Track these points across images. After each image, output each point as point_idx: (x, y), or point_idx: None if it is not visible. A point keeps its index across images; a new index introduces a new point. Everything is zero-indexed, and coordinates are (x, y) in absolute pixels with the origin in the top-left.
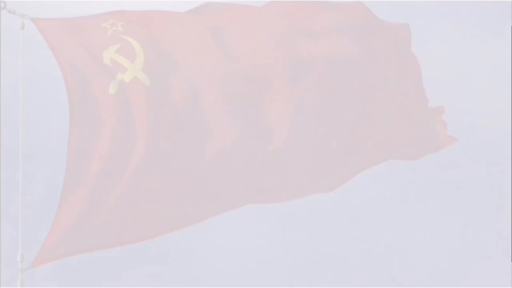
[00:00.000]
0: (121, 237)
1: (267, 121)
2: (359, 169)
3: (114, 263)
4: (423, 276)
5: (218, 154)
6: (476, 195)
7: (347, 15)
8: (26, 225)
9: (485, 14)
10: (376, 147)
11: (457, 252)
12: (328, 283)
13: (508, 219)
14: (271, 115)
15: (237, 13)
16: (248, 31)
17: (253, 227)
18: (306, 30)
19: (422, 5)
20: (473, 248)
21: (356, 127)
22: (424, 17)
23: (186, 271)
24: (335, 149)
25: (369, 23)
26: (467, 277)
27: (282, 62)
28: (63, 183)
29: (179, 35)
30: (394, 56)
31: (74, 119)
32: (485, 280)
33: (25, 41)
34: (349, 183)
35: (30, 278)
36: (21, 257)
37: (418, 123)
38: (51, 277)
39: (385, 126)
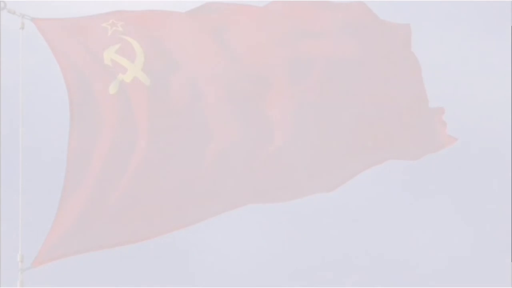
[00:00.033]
0: (121, 237)
1: (268, 121)
2: (360, 169)
3: (114, 263)
4: (423, 276)
5: (219, 154)
6: (476, 195)
7: (348, 15)
8: (26, 225)
9: (485, 14)
10: (377, 147)
11: (457, 252)
12: (328, 283)
13: (508, 219)
14: (271, 115)
15: (238, 13)
16: (249, 31)
17: (253, 227)
18: (307, 30)
19: (422, 6)
20: (473, 248)
21: (356, 127)
22: (425, 17)
23: (186, 271)
24: (336, 149)
25: (370, 23)
26: (467, 277)
27: (283, 62)
28: (63, 183)
29: (180, 35)
30: (394, 56)
31: (75, 119)
32: (485, 280)
33: (25, 41)
34: (349, 183)
35: (30, 278)
36: (21, 257)
37: (418, 123)
38: (51, 277)
39: (386, 126)
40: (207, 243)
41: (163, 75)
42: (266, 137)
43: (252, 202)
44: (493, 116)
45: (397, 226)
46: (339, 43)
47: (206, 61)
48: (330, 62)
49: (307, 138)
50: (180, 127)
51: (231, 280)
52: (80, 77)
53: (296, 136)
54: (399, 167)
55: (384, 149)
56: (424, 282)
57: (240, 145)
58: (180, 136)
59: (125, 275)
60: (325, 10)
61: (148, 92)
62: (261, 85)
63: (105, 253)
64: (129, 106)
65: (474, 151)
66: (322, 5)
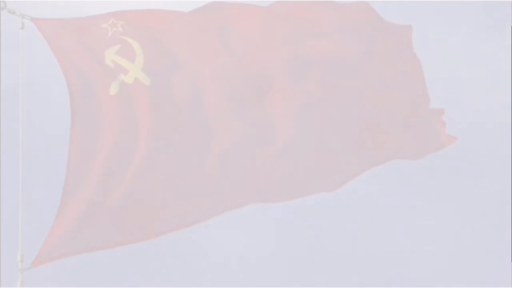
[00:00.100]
0: (122, 237)
1: (270, 121)
2: (362, 169)
3: (114, 263)
4: (423, 276)
5: (220, 154)
6: (476, 195)
7: (352, 15)
8: (26, 225)
9: (485, 14)
10: (378, 147)
11: (457, 252)
12: (328, 283)
13: (508, 219)
14: (273, 114)
15: (242, 13)
16: (252, 31)
17: (252, 227)
18: (309, 30)
19: (423, 6)
20: (473, 248)
21: (358, 127)
22: (425, 18)
23: (186, 271)
24: (338, 149)
25: (373, 23)
26: (467, 277)
27: (285, 62)
28: (64, 183)
29: (182, 35)
30: (396, 56)
31: (76, 119)
32: (485, 280)
33: (25, 41)
34: (350, 183)
35: (30, 278)
36: (21, 257)
37: (419, 123)
38: (51, 277)
39: (387, 126)
40: (208, 243)
41: (164, 75)
42: (268, 137)
43: (253, 202)
44: (493, 116)
45: (397, 226)
46: (341, 43)
47: (208, 60)
48: (332, 62)
49: (309, 138)
50: (181, 127)
51: (231, 280)
52: (81, 77)
53: (298, 136)
54: (399, 167)
55: (386, 149)
56: (424, 282)
57: (242, 145)
58: (181, 136)
59: (125, 275)
60: (328, 10)
61: (149, 92)
62: (263, 85)
63: (105, 253)
64: (130, 106)
65: (474, 151)
66: (325, 5)
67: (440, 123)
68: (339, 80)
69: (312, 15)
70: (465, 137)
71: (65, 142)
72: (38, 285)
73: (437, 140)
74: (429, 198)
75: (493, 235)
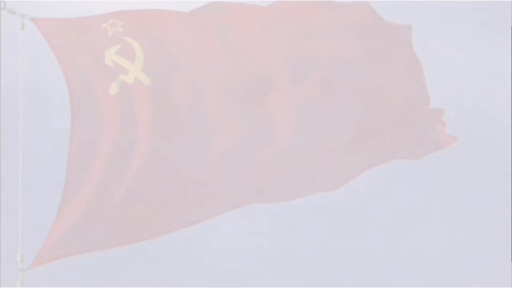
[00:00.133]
0: (122, 237)
1: (270, 121)
2: (363, 169)
3: (114, 263)
4: (423, 276)
5: (220, 154)
6: (476, 195)
7: (352, 15)
8: (26, 225)
9: (485, 14)
10: (379, 147)
11: (457, 252)
12: (328, 283)
13: (508, 219)
14: (273, 114)
15: (242, 13)
16: (252, 31)
17: (252, 227)
18: (311, 30)
19: (423, 6)
20: (473, 248)
21: (358, 126)
22: (425, 18)
23: (186, 271)
24: (338, 149)
25: (373, 23)
26: (467, 277)
27: (285, 62)
28: (64, 183)
29: (181, 35)
30: (397, 56)
31: (76, 119)
32: (485, 280)
33: (25, 41)
34: (349, 183)
35: (30, 278)
36: (21, 257)
37: (419, 123)
38: (51, 277)
39: (387, 126)
40: (208, 243)
41: (164, 75)
42: (268, 136)
43: (253, 202)
44: (493, 116)
45: (397, 226)
46: (341, 43)
47: (208, 60)
48: (332, 62)
49: (308, 137)
50: (181, 127)
51: (231, 280)
52: (81, 77)
53: (298, 136)
54: (399, 166)
55: (386, 149)
56: (424, 282)
57: (242, 145)
58: (181, 136)
59: (125, 275)
60: (328, 10)
61: (149, 92)
62: (263, 84)
63: (105, 253)
64: (130, 106)
65: (474, 151)
66: (325, 4)
67: (440, 123)
68: (339, 80)
69: (312, 15)
70: (465, 137)
71: (65, 142)
72: (38, 285)
73: (437, 140)
74: (429, 198)
75: (493, 235)
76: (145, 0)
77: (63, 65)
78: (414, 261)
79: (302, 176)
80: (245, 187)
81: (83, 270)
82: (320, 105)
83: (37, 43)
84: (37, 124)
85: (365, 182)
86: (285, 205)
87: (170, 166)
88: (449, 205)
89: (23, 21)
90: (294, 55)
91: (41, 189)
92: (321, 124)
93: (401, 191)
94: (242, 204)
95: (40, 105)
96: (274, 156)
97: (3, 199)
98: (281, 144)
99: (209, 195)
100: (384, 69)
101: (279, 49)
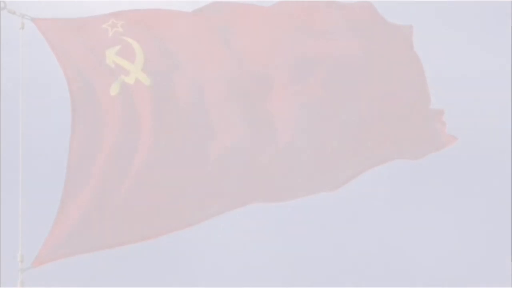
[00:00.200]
0: (122, 237)
1: (271, 121)
2: (363, 169)
3: (114, 263)
4: (422, 276)
5: (221, 153)
6: (476, 195)
7: (354, 15)
8: (26, 225)
9: (485, 14)
10: (379, 147)
11: (457, 252)
12: (328, 283)
13: (508, 219)
14: (275, 114)
15: (243, 13)
16: (254, 31)
17: (252, 226)
18: (312, 29)
19: (423, 6)
20: (473, 248)
21: (359, 126)
22: (425, 18)
23: (186, 271)
24: (339, 149)
25: (375, 23)
26: (467, 277)
27: (286, 62)
28: (64, 183)
29: (182, 34)
30: (398, 56)
31: (76, 119)
32: (485, 280)
33: (25, 41)
34: (349, 183)
35: (30, 278)
36: (21, 257)
37: (420, 123)
38: (51, 277)
39: (388, 126)
40: (208, 243)
41: (164, 75)
42: (269, 136)
43: (253, 201)
44: (493, 116)
45: (397, 226)
46: (343, 43)
47: (209, 60)
48: (333, 62)
49: (309, 137)
50: (182, 127)
51: (231, 280)
52: (81, 77)
53: (298, 136)
54: (399, 166)
55: (386, 149)
56: (424, 282)
57: (243, 144)
58: (181, 136)
59: (125, 275)
60: (330, 10)
61: (149, 92)
62: (264, 84)
63: (105, 253)
64: (130, 106)
65: (474, 151)
66: (327, 4)
67: (440, 123)
68: (340, 80)
69: (314, 15)
70: (465, 137)
71: (65, 142)
72: (38, 285)
73: (437, 140)
74: (429, 198)
75: (493, 235)
76: (146, 0)
77: (63, 65)
78: (414, 261)
79: (302, 176)
80: (245, 187)
81: (83, 270)
82: (320, 105)
83: (37, 43)
84: (37, 124)
85: (365, 182)
86: (285, 205)
87: (171, 166)
88: (449, 205)
89: (23, 21)
90: (296, 55)
91: (41, 189)
92: (321, 124)
93: (401, 191)
94: (242, 204)
95: (40, 105)
96: (274, 156)
97: (3, 199)
98: (282, 144)
99: (209, 195)
100: (385, 69)
101: (280, 49)
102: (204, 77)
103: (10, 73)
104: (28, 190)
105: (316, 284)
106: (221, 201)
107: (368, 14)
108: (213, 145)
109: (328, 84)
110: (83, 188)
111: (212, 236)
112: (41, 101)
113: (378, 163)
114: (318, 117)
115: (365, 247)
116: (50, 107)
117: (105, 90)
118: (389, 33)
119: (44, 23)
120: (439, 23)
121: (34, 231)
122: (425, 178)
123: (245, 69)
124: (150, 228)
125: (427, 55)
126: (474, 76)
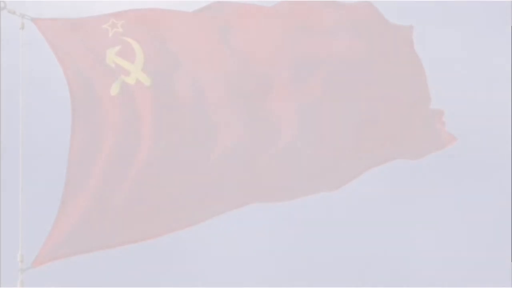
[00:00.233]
0: (123, 237)
1: (272, 121)
2: (364, 168)
3: (114, 263)
4: (423, 276)
5: (222, 153)
6: (476, 195)
7: (354, 15)
8: (26, 225)
9: (485, 14)
10: (379, 147)
11: (457, 252)
12: (328, 283)
13: (508, 219)
14: (275, 114)
15: (245, 13)
16: (254, 31)
17: (252, 226)
18: (313, 29)
19: (423, 6)
20: (473, 248)
21: (360, 126)
22: (425, 18)
23: (186, 271)
24: (339, 148)
25: (375, 23)
26: (467, 277)
27: (287, 61)
28: (64, 183)
29: (184, 34)
30: (398, 56)
31: (76, 119)
32: (485, 280)
33: (25, 41)
34: (349, 183)
35: (30, 278)
36: (21, 257)
37: (420, 123)
38: (51, 277)
39: (388, 126)
40: (208, 243)
41: (165, 75)
42: (270, 136)
43: (253, 201)
44: (493, 116)
45: (397, 226)
46: (344, 43)
47: (210, 60)
48: (333, 62)
49: (310, 137)
50: (182, 127)
51: (231, 280)
52: (81, 77)
53: (299, 136)
54: (399, 166)
55: (386, 149)
56: (424, 282)
57: (244, 144)
58: (182, 136)
59: (125, 275)
60: (331, 10)
61: (149, 92)
62: (265, 85)
63: (105, 253)
64: (130, 106)
65: (474, 151)
66: (328, 4)
67: (440, 123)
68: (341, 80)
69: (315, 15)
70: (465, 137)
71: (65, 142)
72: (38, 285)
73: (437, 140)
74: (429, 198)
75: (493, 235)
76: (146, 0)
77: (63, 65)
78: (414, 261)
79: (302, 176)
80: (245, 187)
81: (83, 270)
82: (321, 105)
83: (37, 43)
84: (37, 124)
85: (365, 182)
86: (285, 205)
87: (171, 166)
88: (449, 205)
89: (23, 21)
90: (296, 55)
91: (41, 189)
92: (322, 124)
93: (401, 191)
94: (242, 204)
95: (40, 105)
96: (275, 156)
97: (3, 199)
98: (282, 143)
99: (209, 195)
100: (385, 69)
101: (281, 49)
102: (205, 77)
103: (10, 73)
104: (28, 190)
105: (316, 284)
106: (221, 201)
107: (368, 14)
108: (213, 145)
109: (329, 84)
110: (83, 188)
111: (212, 236)
112: (41, 101)
113: (378, 163)
114: (318, 116)
115: (365, 247)
116: (50, 107)
117: (105, 90)
118: (389, 33)
119: (44, 23)
120: (439, 23)
121: (34, 231)
122: (425, 178)
123: (245, 69)
124: (150, 228)
125: (427, 55)
126: (474, 76)
